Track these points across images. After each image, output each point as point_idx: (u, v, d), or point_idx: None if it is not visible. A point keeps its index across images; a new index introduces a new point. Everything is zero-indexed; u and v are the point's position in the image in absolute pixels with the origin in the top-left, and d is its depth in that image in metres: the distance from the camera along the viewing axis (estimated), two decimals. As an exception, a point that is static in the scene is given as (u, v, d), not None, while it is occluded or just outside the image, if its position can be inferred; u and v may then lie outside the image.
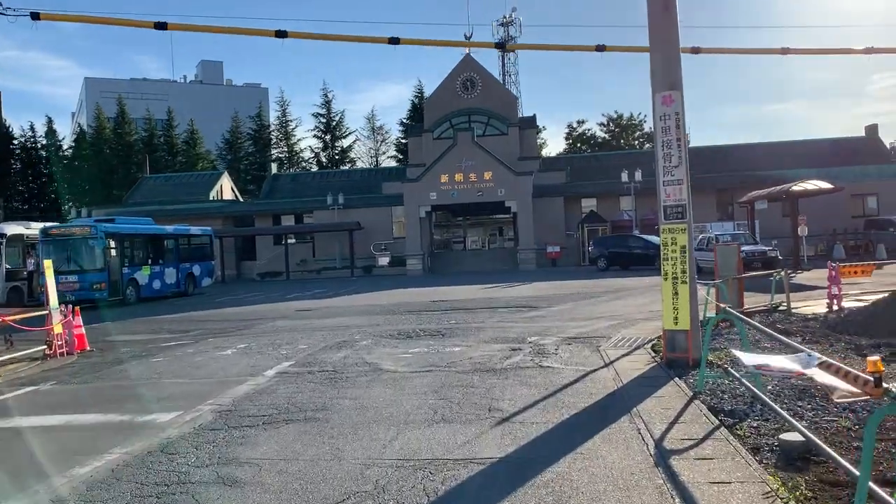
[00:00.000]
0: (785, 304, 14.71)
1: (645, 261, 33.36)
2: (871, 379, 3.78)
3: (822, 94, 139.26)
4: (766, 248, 26.89)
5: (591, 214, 42.27)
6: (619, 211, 42.84)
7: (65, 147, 76.18)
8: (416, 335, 12.81)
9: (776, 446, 5.54)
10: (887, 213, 41.70)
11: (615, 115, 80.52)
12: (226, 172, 55.21)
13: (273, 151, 78.99)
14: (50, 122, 77.40)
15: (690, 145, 67.93)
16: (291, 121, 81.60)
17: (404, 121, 64.27)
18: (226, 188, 53.44)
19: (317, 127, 77.19)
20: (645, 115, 79.71)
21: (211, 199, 49.62)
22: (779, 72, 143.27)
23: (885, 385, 3.73)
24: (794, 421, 5.67)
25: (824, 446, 5.05)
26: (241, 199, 54.72)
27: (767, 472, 4.94)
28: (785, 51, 16.02)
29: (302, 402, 7.58)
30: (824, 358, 4.55)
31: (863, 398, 3.93)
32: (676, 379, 8.14)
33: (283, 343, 12.53)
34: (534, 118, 49.47)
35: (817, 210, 35.40)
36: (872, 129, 48.61)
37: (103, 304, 25.15)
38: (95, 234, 25.37)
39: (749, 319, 7.14)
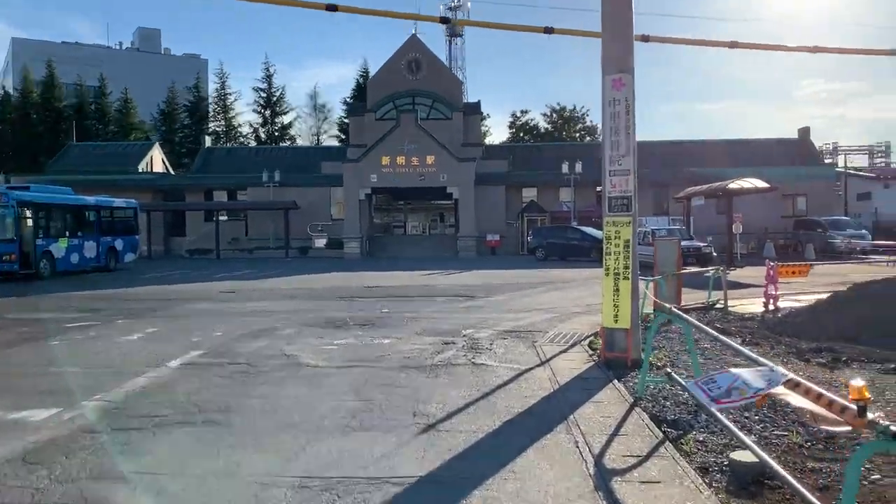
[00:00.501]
0: (721, 301, 14.51)
1: (582, 252, 33.26)
2: (855, 408, 3.22)
3: (755, 96, 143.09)
4: (702, 244, 27.01)
5: (532, 204, 42.01)
6: (559, 202, 42.72)
7: (-14, 110, 72.08)
8: (344, 324, 12.03)
9: (726, 466, 5.02)
10: (816, 214, 42.75)
11: (558, 107, 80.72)
12: (157, 144, 52.83)
13: (210, 125, 76.54)
14: (-30, 83, 72.58)
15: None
16: (230, 94, 79.13)
17: (348, 100, 62.80)
18: (157, 160, 51.16)
19: (256, 101, 75.10)
20: (588, 109, 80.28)
21: (140, 171, 47.39)
22: (716, 72, 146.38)
23: (870, 416, 3.18)
24: (745, 439, 5.15)
25: (783, 472, 4.53)
26: (172, 173, 52.51)
27: (719, 499, 4.40)
28: (733, 44, 15.71)
29: (203, 401, 6.74)
30: (791, 375, 4.00)
31: (843, 429, 3.39)
32: (616, 381, 7.61)
33: (196, 329, 11.56)
34: (478, 104, 48.87)
35: (749, 208, 35.93)
36: (805, 132, 49.75)
37: (14, 277, 23.51)
38: (7, 202, 23.61)
39: (697, 322, 6.63)
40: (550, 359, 8.94)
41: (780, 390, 3.95)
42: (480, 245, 40.27)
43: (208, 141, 52.10)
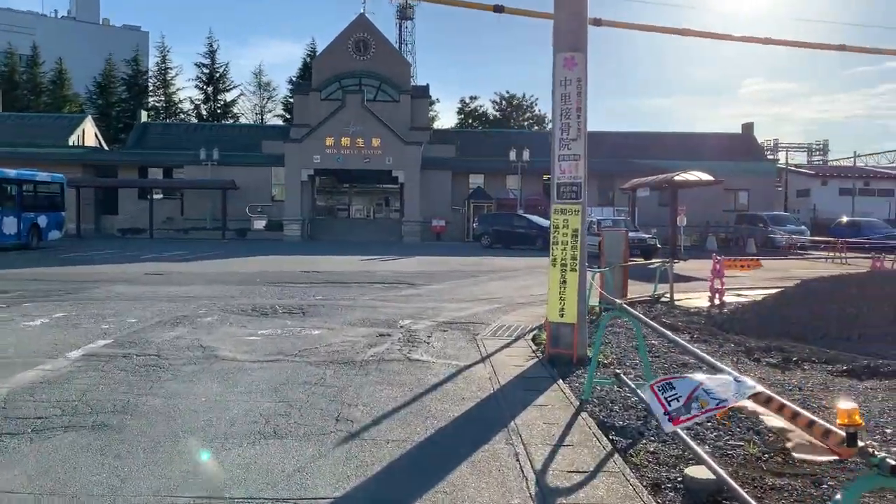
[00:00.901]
0: (667, 295, 14.22)
1: (528, 240, 32.97)
2: (844, 434, 2.68)
3: (700, 93, 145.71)
4: (647, 236, 26.93)
5: (478, 191, 41.54)
6: (506, 189, 42.38)
7: None
8: (272, 312, 11.24)
9: (680, 483, 4.51)
10: (756, 208, 43.48)
11: (507, 95, 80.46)
12: (89, 117, 50.40)
13: (150, 100, 73.84)
14: None
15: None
16: (171, 68, 76.44)
17: (294, 79, 61.20)
18: (89, 134, 48.80)
19: (199, 77, 72.65)
20: (536, 98, 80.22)
21: (71, 144, 45.09)
22: (661, 69, 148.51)
23: (860, 443, 2.66)
24: (702, 453, 4.66)
25: (743, 493, 4.05)
26: (106, 148, 50.24)
27: (675, 527, 3.87)
28: (684, 31, 15.37)
29: (98, 400, 5.93)
30: (760, 388, 3.47)
31: (827, 458, 2.87)
32: (561, 381, 7.08)
33: (110, 314, 10.61)
34: (427, 88, 48.06)
35: (692, 202, 36.15)
36: (748, 128, 50.51)
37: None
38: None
39: (648, 320, 6.13)
40: (492, 354, 8.37)
41: (746, 404, 3.42)
42: (426, 230, 39.64)
43: (145, 116, 49.95)
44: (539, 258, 26.52)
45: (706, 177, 27.37)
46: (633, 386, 6.15)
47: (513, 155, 39.45)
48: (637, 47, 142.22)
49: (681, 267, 22.35)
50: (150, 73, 77.55)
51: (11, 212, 26.06)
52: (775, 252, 32.34)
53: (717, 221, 41.17)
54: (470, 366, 7.70)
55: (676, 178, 26.71)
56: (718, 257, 14.27)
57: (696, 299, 14.52)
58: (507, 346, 8.97)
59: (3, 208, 25.62)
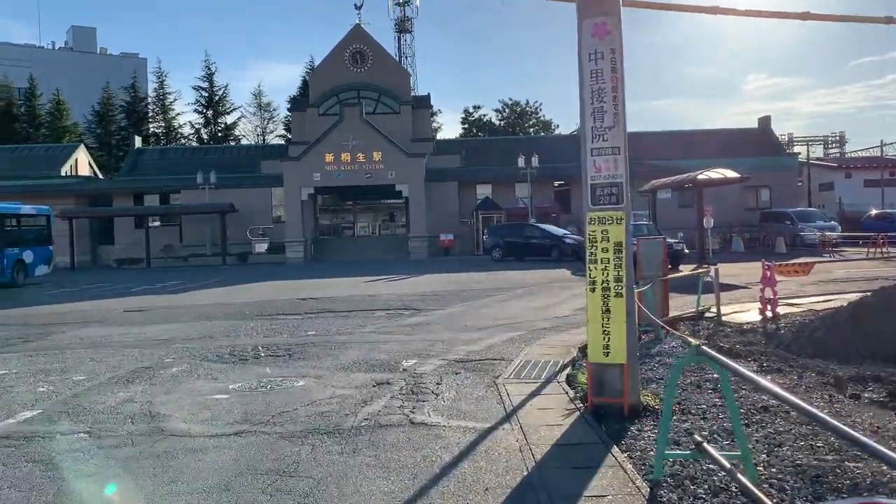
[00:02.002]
0: (712, 309, 12.39)
1: (541, 251, 31.15)
2: None
3: (700, 93, 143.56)
4: (673, 241, 24.99)
5: (487, 201, 39.76)
6: (516, 198, 40.57)
7: None
8: (253, 356, 9.46)
9: None
10: (779, 205, 41.48)
11: (510, 102, 78.85)
12: (82, 146, 49.01)
13: (150, 126, 72.84)
14: None
15: (576, 132, 66.21)
16: (170, 93, 75.50)
17: (294, 96, 59.75)
18: (82, 163, 47.42)
19: (198, 101, 71.60)
20: (540, 103, 78.67)
21: (63, 174, 43.69)
22: (659, 69, 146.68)
23: None
24: None
25: None
26: (101, 176, 48.83)
27: None
28: (714, 10, 13.59)
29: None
30: None
31: None
32: (616, 450, 5.26)
33: (57, 369, 8.87)
34: (428, 98, 46.44)
35: (711, 202, 34.16)
36: (765, 121, 48.56)
37: None
38: None
39: (743, 370, 4.31)
40: (519, 407, 6.55)
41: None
42: (433, 245, 37.88)
43: (138, 141, 48.52)
44: (555, 270, 24.72)
45: (732, 174, 25.51)
46: (728, 466, 4.32)
47: (521, 161, 37.64)
48: (634, 48, 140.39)
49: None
50: (149, 100, 76.66)
51: (-7, 248, 24.50)
52: (808, 251, 30.35)
53: (740, 221, 39.19)
54: (492, 429, 5.89)
55: (700, 176, 24.84)
56: (768, 263, 12.42)
57: (744, 312, 12.67)
58: (537, 392, 7.15)
59: (-16, 245, 24.07)
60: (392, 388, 7.37)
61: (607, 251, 6.49)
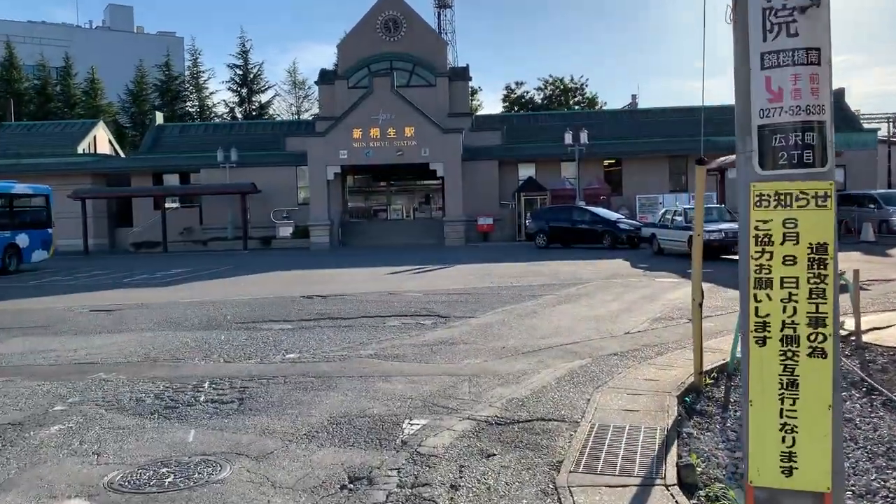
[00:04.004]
0: (848, 326, 8.95)
1: (591, 238, 27.70)
2: None
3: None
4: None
5: (530, 182, 36.28)
6: (561, 178, 37.01)
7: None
8: (188, 401, 6.37)
9: None
10: (855, 187, 37.17)
11: (551, 79, 74.66)
12: (101, 123, 46.69)
13: (185, 105, 71.15)
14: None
15: (628, 108, 61.68)
16: (203, 71, 73.81)
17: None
18: (101, 141, 45.15)
19: (232, 79, 69.60)
20: (586, 78, 74.45)
21: (81, 152, 41.44)
22: (706, 48, 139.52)
23: None
24: None
25: None
26: (122, 155, 46.56)
27: None
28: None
29: None
30: None
31: None
32: None
33: None
34: (466, 69, 42.87)
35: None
36: (839, 94, 43.86)
37: None
38: None
39: None
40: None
41: None
42: (471, 230, 34.62)
43: (160, 118, 46.07)
44: (611, 261, 21.28)
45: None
46: None
47: (568, 138, 34.06)
48: (683, 25, 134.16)
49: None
50: (183, 78, 74.93)
51: (-22, 232, 22.05)
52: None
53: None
54: None
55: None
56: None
57: (889, 328, 9.17)
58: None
59: (-33, 228, 21.60)
60: (376, 491, 4.19)
61: (794, 262, 3.18)
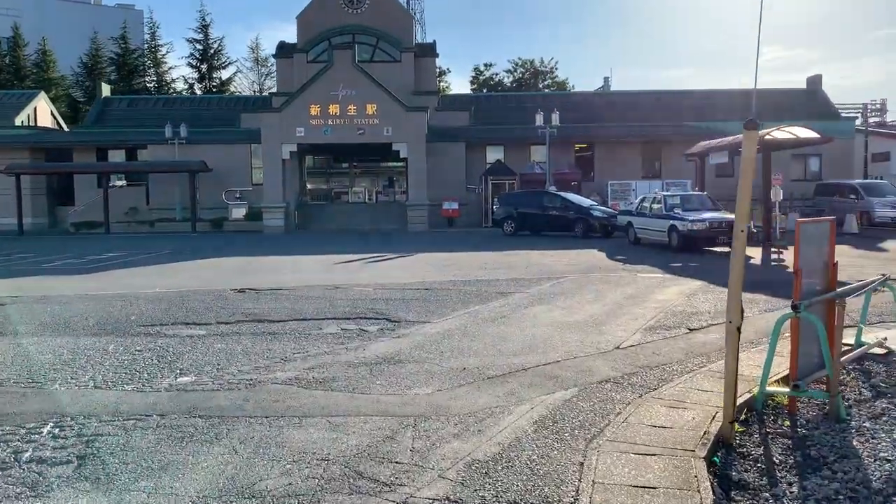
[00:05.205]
0: (886, 342, 7.29)
1: (562, 225, 26.02)
2: None
3: (713, 63, 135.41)
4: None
5: (498, 165, 34.41)
6: (531, 162, 35.22)
7: None
8: None
9: None
10: (832, 176, 36.09)
11: (520, 61, 72.84)
12: (42, 93, 43.52)
13: (142, 80, 67.91)
14: None
15: (601, 88, 59.77)
16: (162, 45, 70.47)
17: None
18: (43, 112, 42.06)
19: (192, 54, 66.49)
20: (556, 61, 72.79)
21: (19, 124, 38.46)
22: (673, 39, 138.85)
23: None
24: None
25: None
26: (66, 128, 43.54)
27: None
28: None
29: None
30: None
31: None
32: None
33: None
34: (433, 46, 40.73)
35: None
36: (815, 81, 42.80)
37: None
38: None
39: None
40: None
41: None
42: (435, 215, 32.64)
43: (106, 90, 43.17)
44: (585, 251, 19.57)
45: (808, 133, 20.13)
46: None
47: (539, 119, 32.22)
48: (648, 17, 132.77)
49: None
50: (141, 52, 71.59)
51: None
52: (882, 232, 25.12)
53: (786, 194, 33.74)
54: None
55: (769, 136, 19.46)
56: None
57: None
58: None
59: None
60: None
61: None
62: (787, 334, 5.86)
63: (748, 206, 4.57)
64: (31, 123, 39.73)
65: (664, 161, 36.23)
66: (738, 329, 4.62)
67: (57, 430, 4.92)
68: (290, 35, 38.21)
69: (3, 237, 29.83)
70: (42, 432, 4.87)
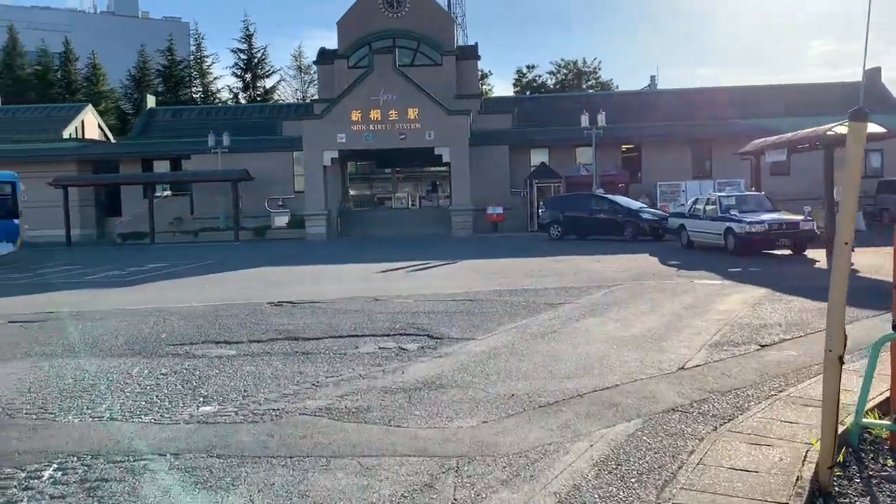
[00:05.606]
0: None
1: (611, 229, 25.17)
2: None
3: (761, 62, 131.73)
4: (798, 218, 18.62)
5: (543, 168, 33.66)
6: (577, 165, 34.35)
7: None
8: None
9: None
10: (892, 173, 34.39)
11: (562, 62, 71.69)
12: (90, 106, 44.26)
13: (188, 91, 69.00)
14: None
15: (648, 87, 58.23)
16: (207, 56, 71.48)
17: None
18: (90, 125, 42.76)
19: (236, 64, 67.15)
20: (600, 61, 71.49)
21: (67, 137, 39.09)
22: (714, 35, 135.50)
23: None
24: None
25: None
26: (112, 140, 44.19)
27: None
28: None
29: None
30: None
31: None
32: None
33: None
34: (475, 48, 40.18)
35: (802, 169, 27.58)
36: (874, 73, 40.81)
37: None
38: None
39: None
40: None
41: None
42: (480, 220, 32.04)
43: (151, 101, 43.68)
44: (636, 255, 18.72)
45: (875, 128, 18.85)
46: None
47: (585, 120, 31.35)
48: (691, 14, 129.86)
49: (864, 264, 14.26)
50: (187, 63, 72.75)
51: (-72, 223, 19.74)
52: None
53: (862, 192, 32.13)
54: None
55: (831, 132, 18.29)
56: None
57: None
58: None
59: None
60: None
61: None
62: (885, 353, 5.07)
63: (853, 212, 3.84)
64: (79, 136, 40.38)
65: (714, 160, 34.97)
66: (841, 359, 3.88)
67: (59, 473, 4.43)
68: (333, 42, 37.96)
69: (52, 248, 30.19)
70: (43, 476, 4.39)
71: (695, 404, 5.69)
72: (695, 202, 21.35)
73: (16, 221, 23.27)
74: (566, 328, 8.92)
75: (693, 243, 20.57)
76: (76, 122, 40.47)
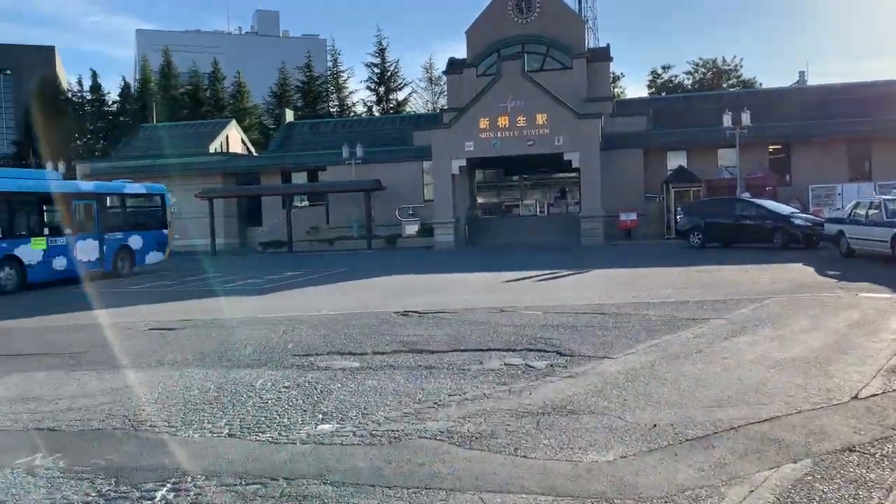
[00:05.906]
0: None
1: (758, 236, 23.44)
2: None
3: None
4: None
5: (680, 172, 32.04)
6: (719, 168, 32.45)
7: (109, 102, 71.54)
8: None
9: None
10: None
11: (701, 61, 68.41)
12: (233, 122, 46.83)
13: (325, 105, 71.99)
14: (94, 76, 71.54)
15: (797, 83, 54.44)
16: (343, 71, 74.14)
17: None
18: (234, 140, 45.21)
19: (370, 78, 69.45)
20: (741, 59, 67.68)
21: (213, 151, 41.50)
22: (882, 28, 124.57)
23: None
24: None
25: None
26: (254, 153, 46.49)
27: None
28: None
29: None
30: None
31: None
32: None
33: None
34: (607, 49, 38.96)
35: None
36: None
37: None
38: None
39: None
40: None
41: None
42: (611, 227, 30.91)
43: (290, 115, 45.53)
44: (787, 265, 17.20)
45: None
46: None
47: (727, 120, 29.48)
48: (846, 4, 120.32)
49: None
50: (324, 78, 75.91)
51: (89, 234, 21.27)
52: None
53: None
54: None
55: None
56: None
57: None
58: None
59: (77, 230, 20.83)
60: None
61: None
62: None
63: None
64: (223, 150, 42.76)
65: (875, 160, 31.95)
66: None
67: (172, 494, 4.27)
68: (462, 52, 38.04)
69: (199, 257, 31.96)
70: (155, 497, 4.23)
71: (876, 443, 4.81)
72: (855, 206, 19.42)
73: (165, 232, 24.71)
74: (713, 347, 8.06)
75: (854, 251, 18.70)
76: (221, 137, 42.93)
